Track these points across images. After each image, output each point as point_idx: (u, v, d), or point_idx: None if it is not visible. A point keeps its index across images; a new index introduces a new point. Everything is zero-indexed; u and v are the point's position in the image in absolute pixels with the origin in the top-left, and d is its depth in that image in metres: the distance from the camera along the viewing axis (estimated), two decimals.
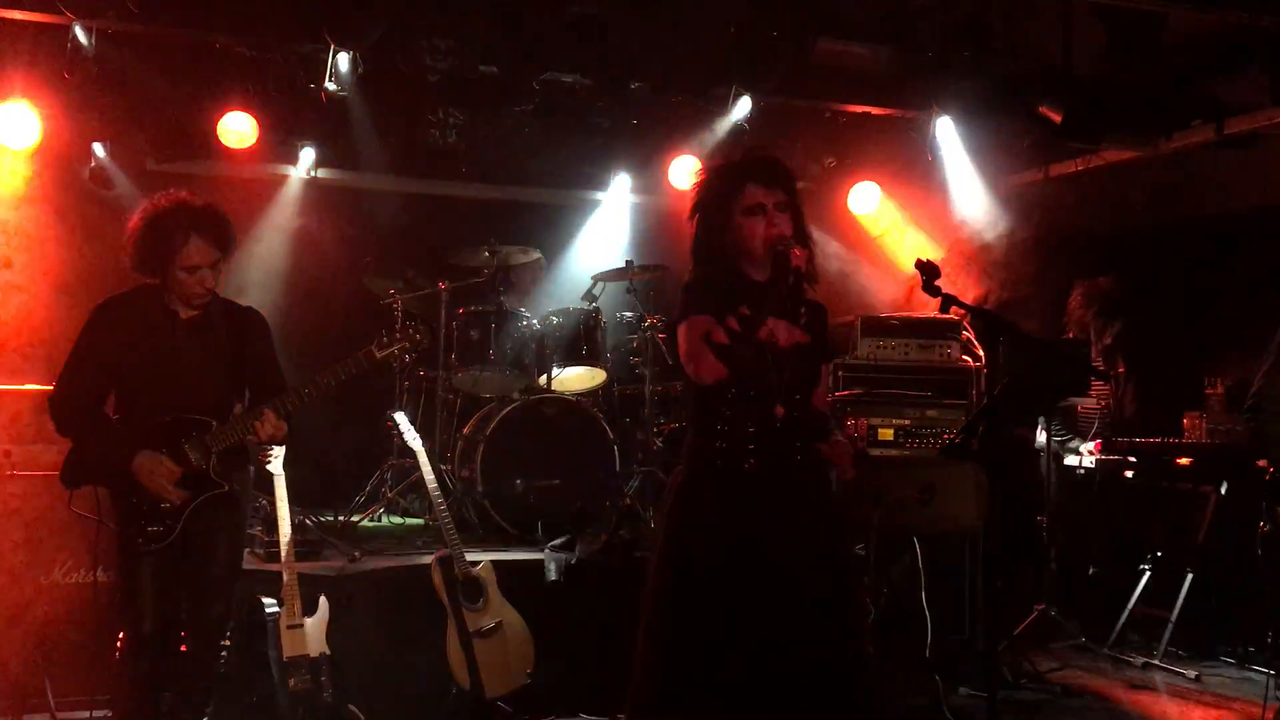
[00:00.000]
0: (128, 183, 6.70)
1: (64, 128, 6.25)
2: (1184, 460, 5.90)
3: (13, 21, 5.67)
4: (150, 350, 3.89)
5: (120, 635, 3.91)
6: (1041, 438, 6.27)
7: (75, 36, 5.66)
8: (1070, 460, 6.37)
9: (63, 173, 6.52)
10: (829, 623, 3.24)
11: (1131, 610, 6.04)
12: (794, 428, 3.27)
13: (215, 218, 3.88)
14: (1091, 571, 6.31)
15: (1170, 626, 5.86)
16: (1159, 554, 6.03)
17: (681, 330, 3.29)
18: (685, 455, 3.38)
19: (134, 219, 3.88)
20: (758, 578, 3.18)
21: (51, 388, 3.97)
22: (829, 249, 7.97)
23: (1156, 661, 5.76)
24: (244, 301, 4.19)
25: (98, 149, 6.70)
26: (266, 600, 4.55)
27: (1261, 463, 4.73)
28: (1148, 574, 6.07)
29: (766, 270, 3.27)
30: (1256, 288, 6.34)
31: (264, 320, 4.15)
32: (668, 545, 3.32)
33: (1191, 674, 5.59)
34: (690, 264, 3.41)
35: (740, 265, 3.32)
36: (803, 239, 3.30)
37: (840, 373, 6.40)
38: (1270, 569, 4.81)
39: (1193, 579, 5.82)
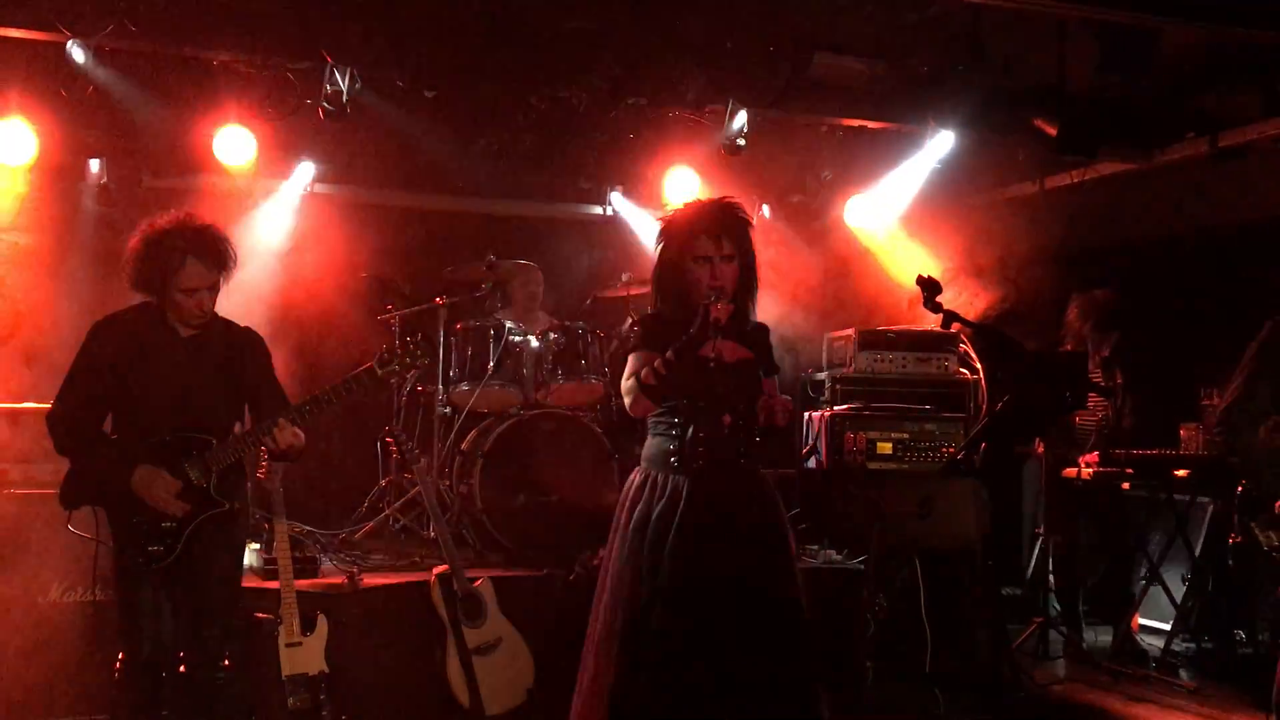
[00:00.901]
0: (124, 199, 6.69)
1: (60, 144, 6.25)
2: (1182, 472, 5.90)
3: (9, 39, 5.67)
4: (150, 368, 3.89)
5: (119, 655, 3.89)
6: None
7: (72, 54, 5.66)
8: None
9: (59, 190, 6.51)
10: (769, 615, 3.60)
11: (1130, 622, 6.04)
12: (738, 434, 3.68)
13: (214, 240, 3.88)
14: (1089, 584, 6.31)
15: (1168, 639, 5.86)
16: (1157, 566, 6.03)
17: (630, 361, 3.75)
18: (643, 458, 3.79)
19: (134, 239, 3.88)
20: (709, 568, 3.56)
21: (49, 406, 3.96)
22: (823, 262, 8.00)
23: (1155, 674, 5.76)
24: (239, 318, 4.19)
25: (94, 165, 6.71)
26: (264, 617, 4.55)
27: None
28: (1146, 586, 6.07)
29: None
30: (1252, 299, 6.35)
31: (262, 341, 4.15)
32: (628, 541, 3.66)
33: (1190, 686, 5.59)
34: (652, 289, 3.86)
35: (688, 299, 3.70)
36: (747, 287, 3.74)
37: (838, 386, 6.41)
38: (1241, 579, 4.82)
39: (1191, 590, 5.83)
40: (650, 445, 3.78)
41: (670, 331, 3.64)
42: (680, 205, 3.86)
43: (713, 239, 3.67)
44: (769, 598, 3.62)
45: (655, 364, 3.57)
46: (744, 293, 3.76)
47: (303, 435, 3.89)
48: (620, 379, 3.77)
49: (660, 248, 3.80)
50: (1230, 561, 4.53)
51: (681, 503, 3.61)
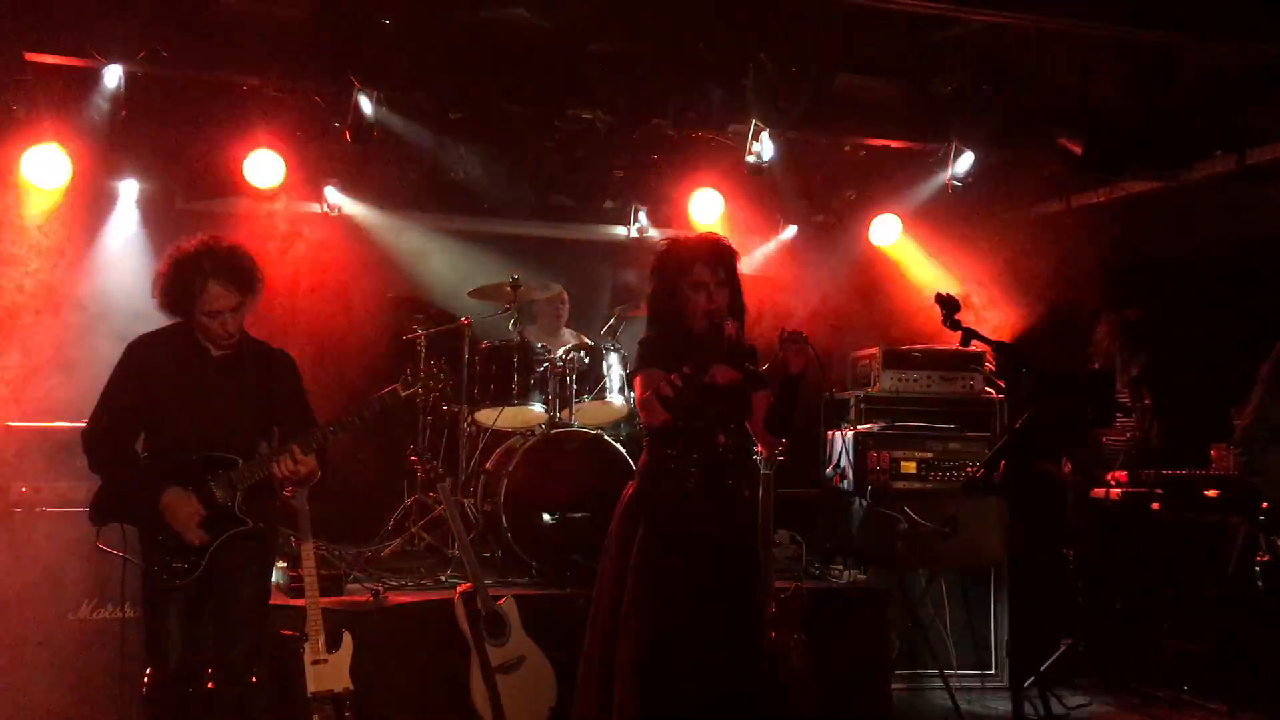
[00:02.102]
0: (156, 222, 6.79)
1: (93, 169, 6.34)
2: (1211, 492, 5.85)
3: (44, 65, 5.77)
4: (181, 388, 3.95)
5: (147, 671, 3.92)
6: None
7: (104, 79, 5.76)
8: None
9: (92, 213, 6.61)
10: (743, 623, 3.88)
11: (1160, 644, 5.97)
12: (730, 452, 3.97)
13: (237, 262, 3.93)
14: (1119, 605, 6.25)
15: (1200, 659, 5.79)
16: (1188, 586, 5.96)
17: (636, 381, 4.05)
18: (639, 474, 4.04)
19: (161, 263, 3.96)
20: (699, 576, 3.81)
21: (83, 425, 4.02)
22: (847, 282, 7.99)
23: (1186, 696, 5.69)
24: (265, 339, 4.23)
25: (126, 189, 6.81)
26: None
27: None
28: (1177, 607, 6.00)
29: (705, 330, 3.97)
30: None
31: (293, 361, 4.20)
32: (620, 553, 3.91)
33: (1222, 709, 5.52)
34: (648, 313, 4.20)
35: (686, 324, 4.01)
36: (736, 308, 4.04)
37: (863, 405, 6.39)
38: (1270, 598, 4.77)
39: (1224, 611, 5.76)
40: (646, 464, 4.03)
41: (670, 352, 3.91)
42: (673, 237, 4.21)
43: (709, 266, 4.00)
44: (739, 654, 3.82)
45: (673, 377, 3.77)
46: (735, 315, 4.03)
47: (311, 463, 3.92)
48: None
49: (657, 275, 4.13)
50: (1260, 582, 4.47)
51: (676, 517, 3.86)
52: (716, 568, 3.86)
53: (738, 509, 4.01)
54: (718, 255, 4.06)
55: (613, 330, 6.86)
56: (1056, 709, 5.51)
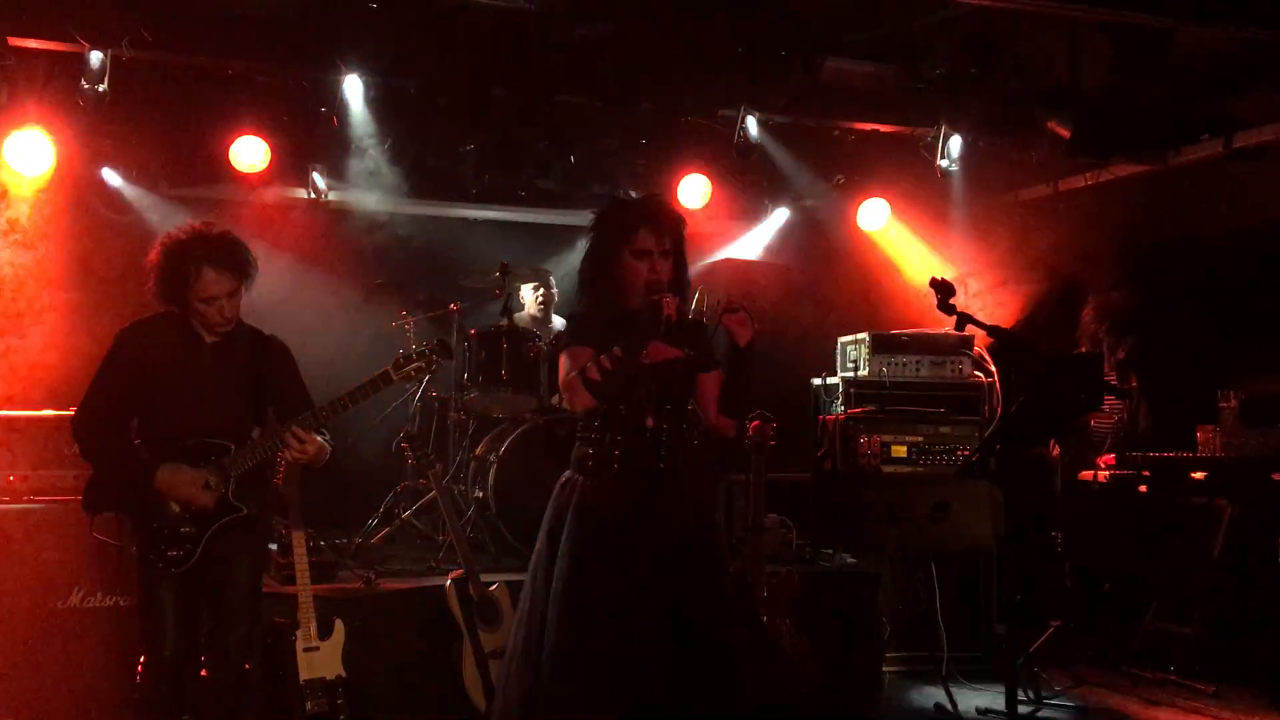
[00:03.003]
0: (142, 208, 6.75)
1: (77, 154, 6.30)
2: (1198, 474, 5.89)
3: (27, 50, 5.72)
4: (174, 374, 3.93)
5: (141, 660, 3.92)
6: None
7: (89, 64, 5.71)
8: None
9: (77, 199, 6.56)
10: (698, 612, 3.55)
11: (1148, 625, 6.02)
12: (662, 435, 3.60)
13: (229, 247, 3.91)
14: (1107, 587, 6.29)
15: (1187, 641, 5.84)
16: (1175, 568, 6.01)
17: (561, 360, 3.69)
18: (571, 461, 3.77)
19: (153, 252, 3.94)
20: (629, 566, 3.52)
21: (72, 413, 4.00)
22: (837, 266, 8.01)
23: (1174, 676, 5.74)
24: (259, 324, 4.22)
25: (111, 175, 6.76)
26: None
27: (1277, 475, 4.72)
28: (1164, 588, 6.05)
29: (642, 305, 3.58)
30: (1268, 301, 6.34)
31: (286, 348, 4.18)
32: (548, 542, 3.68)
33: (1209, 689, 5.57)
34: (580, 282, 3.78)
35: (622, 296, 3.65)
36: (680, 283, 3.67)
37: (852, 390, 6.40)
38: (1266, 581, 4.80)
39: (1210, 593, 5.80)
40: (576, 449, 3.76)
41: (604, 330, 3.56)
42: (616, 196, 3.83)
43: (654, 233, 3.63)
44: (695, 630, 3.55)
45: (601, 359, 3.46)
46: (677, 290, 3.67)
47: (318, 440, 3.90)
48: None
49: (593, 241, 3.74)
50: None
51: (603, 507, 3.58)
52: (647, 556, 3.54)
53: (674, 489, 3.63)
54: (666, 221, 3.67)
55: None
56: (1045, 690, 5.55)
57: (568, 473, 3.77)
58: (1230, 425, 5.93)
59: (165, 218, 6.44)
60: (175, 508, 3.86)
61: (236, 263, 3.90)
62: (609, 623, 3.50)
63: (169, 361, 3.93)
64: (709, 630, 3.59)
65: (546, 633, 3.57)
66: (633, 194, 3.84)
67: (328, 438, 4.01)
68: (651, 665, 3.48)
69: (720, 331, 3.57)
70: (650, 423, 3.59)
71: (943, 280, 3.37)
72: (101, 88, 5.77)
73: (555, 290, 7.26)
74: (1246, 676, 5.69)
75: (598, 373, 3.45)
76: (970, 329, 3.42)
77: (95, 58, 5.69)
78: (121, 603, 4.41)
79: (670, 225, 3.67)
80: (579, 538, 3.59)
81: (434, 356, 4.07)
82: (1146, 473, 6.01)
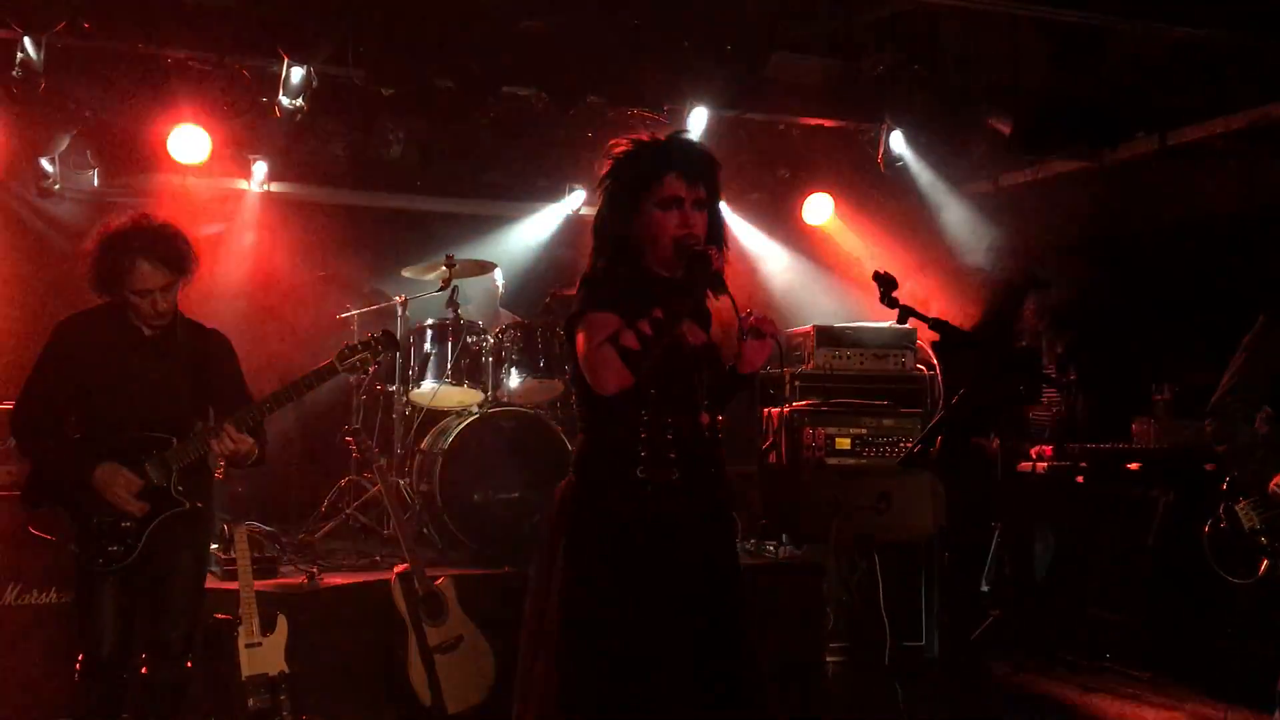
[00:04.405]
0: (77, 198, 6.62)
1: (11, 143, 6.16)
2: (1134, 465, 6.00)
3: None
4: (112, 368, 3.86)
5: (79, 657, 3.84)
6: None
7: (23, 50, 5.58)
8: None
9: (9, 189, 6.42)
10: (728, 646, 2.97)
11: (1085, 614, 6.13)
12: (716, 436, 3.02)
13: (167, 240, 3.84)
14: (1042, 576, 6.40)
15: (1124, 629, 5.96)
16: (1112, 557, 6.12)
17: (580, 332, 2.91)
18: (582, 465, 3.00)
19: (89, 242, 3.86)
20: (672, 599, 2.90)
21: (8, 406, 3.92)
22: (781, 260, 8.06)
23: (1110, 664, 5.86)
24: (198, 316, 4.15)
25: (46, 164, 6.62)
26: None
27: (1211, 466, 4.83)
28: (1100, 578, 6.16)
29: (672, 268, 2.98)
30: (1202, 295, 6.47)
31: (228, 341, 4.12)
32: (572, 570, 2.92)
33: (1144, 676, 5.69)
34: (594, 241, 3.08)
35: (644, 259, 3.00)
36: (718, 240, 3.03)
37: (797, 383, 6.45)
38: (1221, 565, 4.91)
39: (1146, 582, 5.92)
40: (595, 444, 2.99)
41: (629, 296, 2.89)
42: (637, 136, 3.08)
43: (685, 179, 2.95)
44: (727, 654, 2.97)
45: (640, 324, 2.80)
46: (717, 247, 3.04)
47: (249, 441, 3.83)
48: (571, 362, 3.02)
49: (608, 192, 3.04)
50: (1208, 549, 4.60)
51: (648, 524, 2.88)
52: (699, 590, 2.93)
53: (722, 510, 3.06)
54: (699, 166, 2.99)
55: (548, 310, 6.83)
56: (985, 676, 5.63)
57: (579, 476, 3.01)
58: (1164, 417, 6.06)
59: (102, 208, 6.33)
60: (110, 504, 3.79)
61: (173, 256, 3.83)
62: (666, 668, 2.85)
63: (106, 354, 3.86)
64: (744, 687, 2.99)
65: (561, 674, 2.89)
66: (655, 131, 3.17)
67: (265, 438, 3.94)
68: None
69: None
70: (705, 419, 2.96)
71: (886, 273, 3.39)
72: (35, 75, 5.63)
73: (501, 283, 7.24)
74: (1182, 664, 5.81)
75: (636, 339, 2.79)
76: (913, 322, 3.45)
77: (30, 43, 5.56)
78: (60, 599, 4.32)
79: (703, 168, 3.01)
80: (638, 567, 2.87)
81: (379, 348, 4.03)
82: (1084, 464, 6.11)
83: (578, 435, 3.09)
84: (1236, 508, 4.22)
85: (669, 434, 2.90)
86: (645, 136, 3.07)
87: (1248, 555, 4.28)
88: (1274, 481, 4.08)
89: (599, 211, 3.08)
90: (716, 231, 3.04)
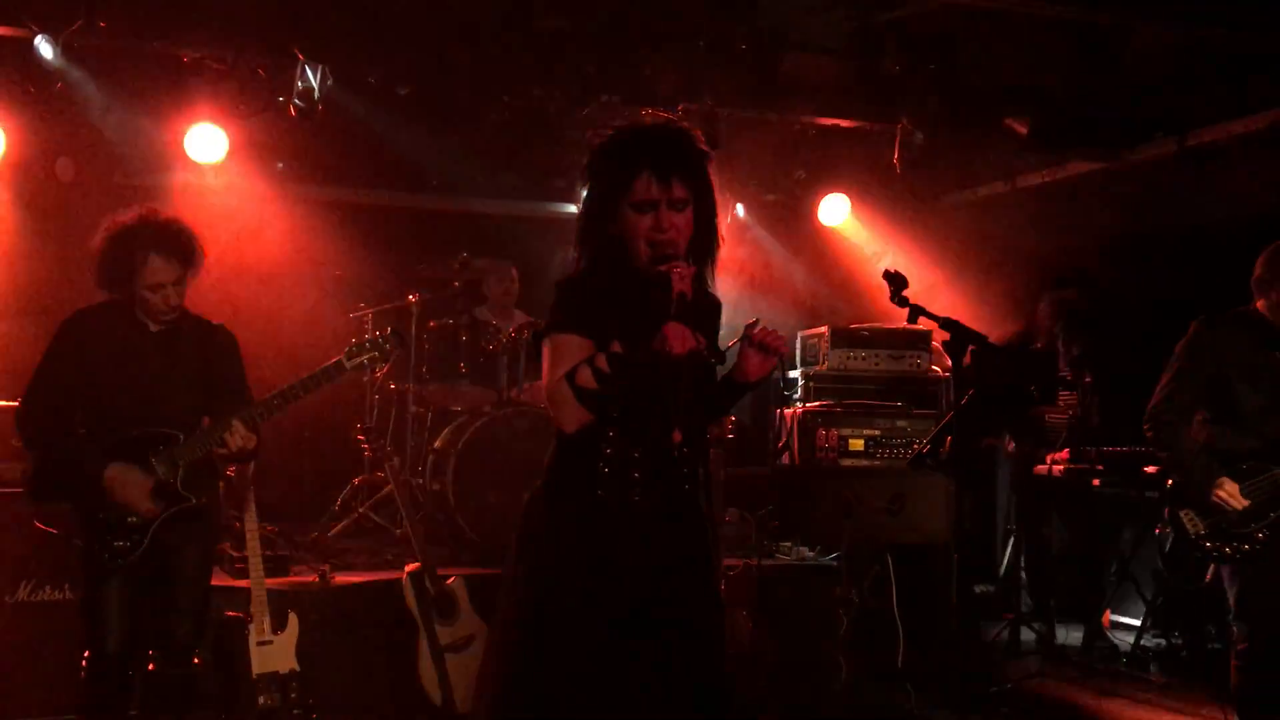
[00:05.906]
0: (93, 197, 6.64)
1: (28, 142, 6.20)
2: (1151, 469, 5.95)
3: None
4: (119, 364, 3.87)
5: (85, 654, 3.84)
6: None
7: (39, 49, 5.61)
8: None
9: (26, 187, 6.46)
10: (700, 668, 2.79)
11: (1101, 619, 6.09)
12: (690, 453, 2.79)
13: (177, 234, 3.85)
14: (1061, 580, 6.35)
15: (1139, 635, 5.91)
16: (1127, 563, 6.08)
17: (545, 352, 2.75)
18: (548, 474, 2.85)
19: (98, 237, 3.86)
20: (636, 621, 2.74)
21: (16, 403, 3.93)
22: (797, 260, 8.04)
23: (1125, 669, 5.81)
24: (210, 315, 4.16)
25: (63, 164, 6.65)
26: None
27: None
28: (1116, 583, 6.12)
29: (651, 271, 2.74)
30: (1219, 298, 6.40)
31: (234, 338, 4.12)
32: (531, 589, 2.80)
33: (1160, 681, 5.64)
34: (575, 242, 2.85)
35: (629, 257, 2.76)
36: (704, 244, 2.79)
37: (810, 384, 6.43)
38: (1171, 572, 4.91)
39: (1161, 587, 5.88)
40: (561, 456, 2.81)
41: (601, 305, 2.72)
42: (619, 125, 2.82)
43: (658, 177, 2.69)
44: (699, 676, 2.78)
45: (597, 362, 2.63)
46: (700, 254, 2.79)
47: (255, 439, 3.83)
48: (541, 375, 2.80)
49: (589, 188, 2.82)
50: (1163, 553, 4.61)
51: (609, 547, 2.73)
52: (659, 611, 2.75)
53: (694, 530, 2.84)
54: (673, 162, 2.71)
55: None
56: (999, 681, 5.59)
57: (546, 490, 2.85)
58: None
59: (116, 207, 6.34)
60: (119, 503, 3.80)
61: (183, 249, 3.84)
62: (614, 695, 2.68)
63: (113, 350, 3.87)
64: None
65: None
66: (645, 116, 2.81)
67: (261, 435, 3.93)
68: None
69: (731, 352, 2.82)
70: (678, 437, 2.75)
71: (896, 272, 3.37)
72: (52, 75, 5.67)
73: (516, 283, 7.24)
74: (1197, 670, 5.76)
75: (594, 379, 2.63)
76: (924, 322, 3.42)
77: (46, 43, 5.59)
78: (72, 596, 4.33)
79: (682, 163, 2.72)
80: (584, 594, 2.73)
81: (387, 346, 4.03)
82: (1101, 467, 6.07)
83: (552, 441, 2.87)
84: (1181, 514, 4.18)
85: (635, 452, 2.73)
86: (625, 125, 2.82)
87: (1198, 562, 4.28)
88: (1214, 488, 4.05)
89: (581, 210, 2.89)
90: (703, 231, 2.79)
